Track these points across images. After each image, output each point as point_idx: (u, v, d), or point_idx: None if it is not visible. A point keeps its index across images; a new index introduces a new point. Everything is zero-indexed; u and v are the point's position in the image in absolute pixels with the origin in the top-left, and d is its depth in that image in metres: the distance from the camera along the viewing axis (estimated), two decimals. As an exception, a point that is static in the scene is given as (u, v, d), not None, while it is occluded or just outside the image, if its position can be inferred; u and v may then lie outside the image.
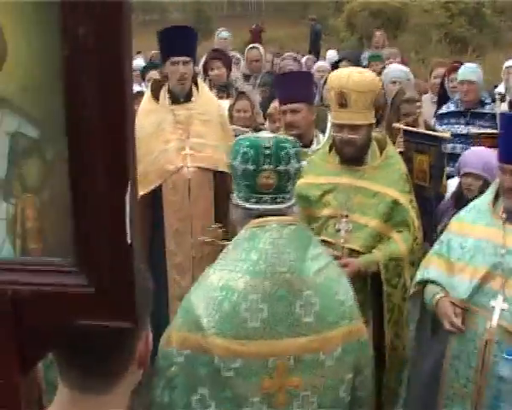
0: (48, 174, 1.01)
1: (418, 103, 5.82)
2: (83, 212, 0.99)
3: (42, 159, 1.00)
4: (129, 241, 0.98)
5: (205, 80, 7.55)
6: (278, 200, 2.85)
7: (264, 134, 3.04)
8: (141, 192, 5.02)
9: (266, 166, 2.78)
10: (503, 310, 3.40)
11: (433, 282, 3.72)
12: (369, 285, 4.15)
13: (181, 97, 5.23)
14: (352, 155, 4.20)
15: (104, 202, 0.98)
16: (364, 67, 8.28)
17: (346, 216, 4.17)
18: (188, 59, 5.15)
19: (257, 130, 6.07)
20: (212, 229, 4.07)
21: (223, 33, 10.74)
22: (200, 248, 4.98)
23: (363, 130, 4.14)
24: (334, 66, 8.13)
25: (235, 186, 2.91)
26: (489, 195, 3.72)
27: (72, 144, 0.98)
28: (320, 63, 9.74)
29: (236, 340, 2.68)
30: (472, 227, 3.68)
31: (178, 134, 5.11)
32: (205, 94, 5.46)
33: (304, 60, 11.16)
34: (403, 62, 9.04)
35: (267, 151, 2.77)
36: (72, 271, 1.01)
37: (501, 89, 8.48)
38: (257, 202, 2.84)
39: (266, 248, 2.72)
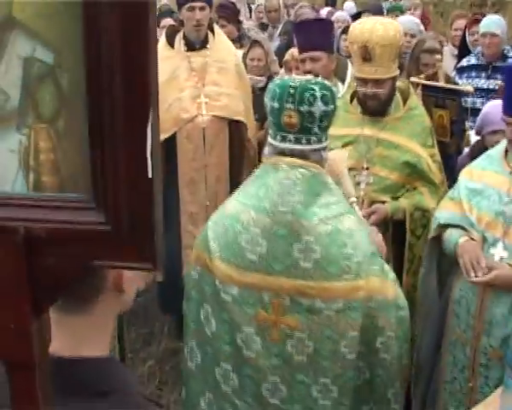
0: (63, 103, 0.94)
1: (438, 56, 5.69)
2: (101, 144, 0.92)
3: (57, 87, 0.93)
4: (150, 175, 0.92)
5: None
6: (303, 141, 2.85)
7: (302, 76, 3.05)
8: (155, 140, 4.98)
9: (289, 106, 2.79)
10: (501, 258, 3.42)
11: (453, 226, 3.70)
12: (391, 234, 4.09)
13: (196, 44, 5.14)
14: (375, 108, 4.13)
15: (124, 133, 0.91)
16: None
17: (367, 168, 4.11)
18: (204, 4, 5.05)
19: (271, 78, 6.01)
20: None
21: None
22: (215, 198, 4.93)
23: (388, 83, 4.06)
24: (356, 17, 7.97)
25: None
26: (503, 144, 3.70)
27: (91, 72, 0.91)
28: (339, 13, 9.53)
29: (235, 268, 2.85)
30: (482, 173, 3.68)
31: (193, 82, 5.04)
32: (221, 41, 5.35)
33: (325, 12, 11.00)
34: (423, 14, 8.89)
35: (292, 90, 2.79)
36: (89, 207, 0.94)
37: (522, 43, 8.33)
38: (282, 141, 2.87)
39: (273, 186, 2.82)
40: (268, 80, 6.07)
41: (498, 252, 3.44)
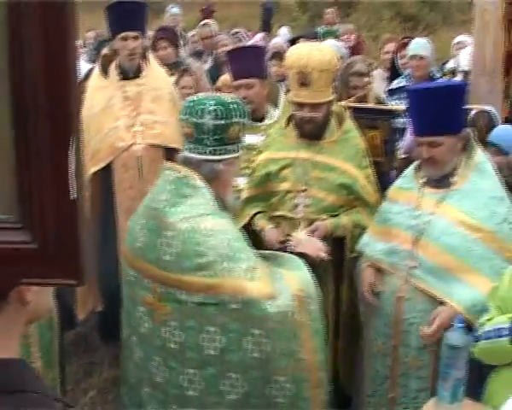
0: None
1: (367, 78, 5.81)
2: (27, 167, 0.95)
3: None
4: (73, 196, 0.96)
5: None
6: (195, 150, 3.15)
7: (209, 93, 3.39)
8: (92, 170, 4.97)
9: (185, 117, 3.15)
10: (413, 268, 3.58)
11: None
12: (331, 250, 4.16)
13: (130, 73, 5.16)
14: (312, 132, 4.21)
15: (47, 156, 0.95)
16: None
17: (304, 190, 4.18)
18: (137, 34, 5.08)
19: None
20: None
21: (173, 10, 10.70)
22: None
23: (324, 107, 4.15)
24: (292, 44, 8.09)
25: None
26: (415, 162, 3.87)
27: (15, 97, 0.94)
28: (275, 40, 9.66)
29: (130, 252, 3.28)
30: (398, 192, 3.86)
31: (128, 111, 5.04)
32: (155, 69, 5.38)
33: (258, 37, 11.14)
34: (358, 39, 9.07)
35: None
36: (15, 227, 0.97)
37: (451, 65, 8.54)
38: (185, 149, 3.21)
39: (155, 186, 3.25)
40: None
41: (410, 263, 3.60)
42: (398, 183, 3.95)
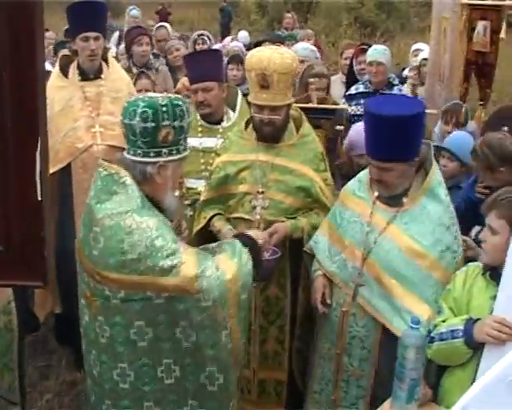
0: None
1: (326, 80, 5.87)
2: None
3: None
4: (39, 198, 0.97)
5: (129, 59, 7.48)
6: (130, 151, 3.13)
7: (152, 94, 3.25)
8: (50, 170, 4.93)
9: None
10: (359, 286, 3.65)
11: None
12: (288, 252, 4.20)
13: (91, 74, 5.16)
14: (271, 134, 4.22)
15: (14, 159, 0.96)
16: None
17: (262, 192, 4.20)
18: (98, 35, 5.07)
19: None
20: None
21: (133, 11, 10.71)
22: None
23: (283, 110, 4.17)
24: (257, 46, 8.10)
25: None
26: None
27: None
28: (234, 44, 9.66)
29: (77, 245, 3.29)
30: (351, 198, 3.87)
31: (88, 111, 5.05)
32: (115, 71, 5.38)
33: (226, 41, 11.20)
34: (316, 44, 9.13)
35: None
36: None
37: (407, 72, 8.65)
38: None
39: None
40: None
41: (357, 280, 3.67)
42: (351, 187, 3.94)
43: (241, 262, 3.20)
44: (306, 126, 4.44)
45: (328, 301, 3.81)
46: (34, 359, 5.47)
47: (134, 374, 3.14)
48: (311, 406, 4.06)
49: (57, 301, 5.30)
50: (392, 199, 3.65)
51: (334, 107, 5.44)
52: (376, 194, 3.70)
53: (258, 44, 8.33)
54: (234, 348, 3.19)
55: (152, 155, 3.08)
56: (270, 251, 3.77)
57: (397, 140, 3.44)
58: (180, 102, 3.10)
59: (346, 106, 5.78)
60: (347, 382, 3.78)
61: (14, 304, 3.48)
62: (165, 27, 9.67)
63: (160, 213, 3.14)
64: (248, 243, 3.35)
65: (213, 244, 3.49)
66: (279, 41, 8.80)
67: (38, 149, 0.97)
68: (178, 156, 3.15)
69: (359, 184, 3.88)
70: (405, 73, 8.78)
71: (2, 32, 0.94)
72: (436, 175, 3.67)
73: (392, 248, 3.56)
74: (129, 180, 3.09)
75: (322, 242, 3.96)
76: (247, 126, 4.43)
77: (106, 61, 5.30)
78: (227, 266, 3.14)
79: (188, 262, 3.03)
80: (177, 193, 3.31)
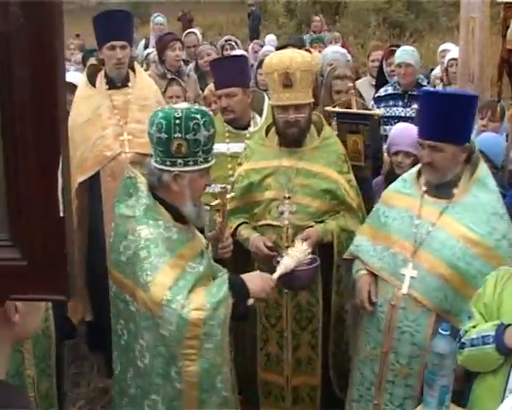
0: None
1: (350, 83, 5.84)
2: (16, 188, 0.99)
3: None
4: (61, 214, 0.99)
5: (162, 64, 7.53)
6: (153, 158, 3.25)
7: (179, 105, 3.30)
8: (79, 179, 4.98)
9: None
10: (412, 278, 3.59)
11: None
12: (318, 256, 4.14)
13: (118, 82, 5.19)
14: (295, 137, 4.23)
15: (36, 175, 0.98)
16: (305, 49, 8.33)
17: (289, 198, 4.20)
18: (125, 43, 5.11)
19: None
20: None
21: (158, 18, 10.69)
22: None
23: (307, 109, 4.18)
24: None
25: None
26: (416, 167, 3.87)
27: (4, 121, 0.97)
28: (266, 48, 9.66)
29: None
30: (397, 196, 3.85)
31: (116, 120, 5.08)
32: (142, 79, 5.41)
33: (251, 46, 11.22)
34: (344, 46, 9.10)
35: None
36: (5, 245, 1.00)
37: (437, 72, 8.60)
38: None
39: None
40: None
41: (409, 272, 3.60)
42: (396, 186, 3.94)
43: (214, 309, 3.14)
44: (327, 129, 4.46)
45: (374, 299, 3.74)
46: (66, 366, 5.51)
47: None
48: None
49: (88, 308, 5.34)
50: (441, 191, 3.64)
51: (370, 112, 5.40)
52: (424, 188, 3.70)
53: (280, 50, 8.32)
54: (184, 387, 3.18)
55: (168, 163, 3.18)
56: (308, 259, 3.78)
57: (449, 120, 3.46)
58: (198, 115, 3.12)
59: (379, 111, 5.73)
60: (393, 382, 3.69)
61: (52, 311, 3.52)
62: (195, 33, 9.70)
63: (179, 220, 3.26)
64: (237, 286, 3.31)
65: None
66: (301, 45, 8.82)
67: (60, 165, 0.98)
68: (196, 168, 3.19)
69: (404, 183, 3.87)
70: (434, 73, 8.73)
71: (23, 58, 0.96)
72: (484, 166, 3.69)
73: (449, 238, 3.54)
74: (142, 186, 3.26)
75: (364, 244, 3.92)
76: (267, 133, 4.43)
77: (133, 69, 5.33)
78: (196, 306, 3.11)
79: (159, 285, 3.09)
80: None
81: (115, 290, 3.33)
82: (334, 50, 7.49)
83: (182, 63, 7.82)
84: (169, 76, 7.13)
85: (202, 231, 3.51)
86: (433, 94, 3.67)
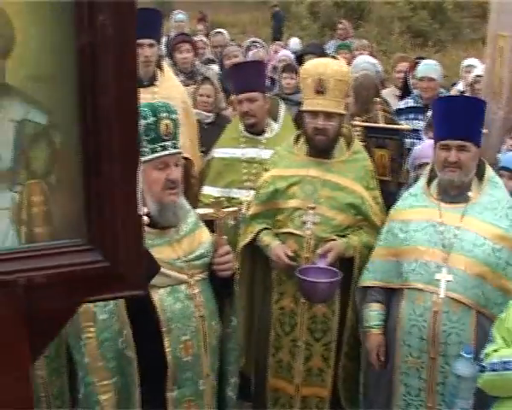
0: (56, 159, 1.04)
1: (378, 99, 5.86)
2: (98, 191, 1.04)
3: (50, 145, 1.03)
4: (140, 213, 1.06)
5: (174, 65, 7.52)
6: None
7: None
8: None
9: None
10: (448, 281, 3.69)
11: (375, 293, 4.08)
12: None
13: (145, 81, 5.17)
14: (323, 145, 4.23)
15: (120, 179, 1.04)
16: (331, 56, 8.33)
17: (313, 208, 4.20)
18: (152, 41, 5.11)
19: (219, 115, 6.11)
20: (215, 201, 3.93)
21: (179, 16, 10.51)
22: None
23: (337, 119, 4.18)
24: (298, 59, 8.11)
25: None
26: (422, 180, 4.05)
27: (88, 130, 1.02)
28: (283, 52, 9.62)
29: None
30: (411, 211, 3.94)
31: (142, 119, 5.06)
32: (169, 78, 5.42)
33: (273, 47, 11.20)
34: (371, 55, 9.07)
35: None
36: (85, 249, 1.05)
37: (460, 87, 8.58)
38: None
39: None
40: (216, 116, 6.18)
41: (444, 276, 3.70)
42: (405, 203, 4.02)
43: None
44: (357, 144, 4.46)
45: (382, 359, 3.93)
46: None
47: None
48: None
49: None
50: (456, 197, 3.82)
51: (398, 126, 5.43)
52: (438, 196, 3.86)
53: (300, 57, 8.33)
54: (89, 361, 3.13)
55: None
56: (329, 273, 3.87)
57: (470, 121, 3.76)
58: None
59: (408, 127, 5.77)
60: (443, 384, 3.72)
61: None
62: (222, 33, 9.68)
63: (154, 224, 3.15)
64: None
65: None
66: (322, 53, 8.80)
67: (140, 167, 1.05)
68: (143, 159, 3.01)
69: (414, 197, 3.99)
70: (457, 88, 8.71)
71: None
72: (489, 167, 3.94)
73: (476, 237, 3.70)
74: None
75: (385, 263, 4.02)
76: (297, 141, 4.44)
77: (160, 68, 5.34)
78: None
79: None
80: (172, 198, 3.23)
81: None
82: (366, 60, 7.47)
83: (197, 64, 7.80)
84: (181, 78, 7.13)
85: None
86: (452, 98, 4.08)
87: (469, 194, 3.80)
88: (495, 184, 3.86)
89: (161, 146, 3.10)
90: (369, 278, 4.09)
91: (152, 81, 5.22)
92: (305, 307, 4.27)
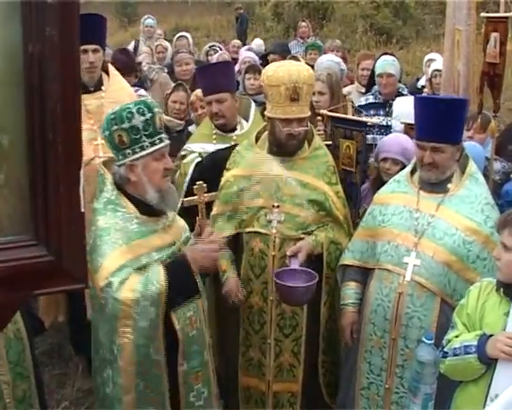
0: (3, 159, 1.09)
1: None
2: (44, 189, 1.09)
3: None
4: (82, 209, 1.11)
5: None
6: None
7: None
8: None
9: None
10: (415, 266, 3.81)
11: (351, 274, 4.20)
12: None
13: (91, 86, 5.12)
14: (294, 148, 4.27)
15: (64, 178, 1.09)
16: (291, 56, 8.39)
17: (278, 207, 4.23)
18: (97, 47, 5.06)
19: (190, 122, 6.12)
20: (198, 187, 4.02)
21: (148, 21, 10.71)
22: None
23: (306, 121, 4.22)
24: (263, 58, 8.13)
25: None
26: (407, 168, 4.17)
27: (35, 133, 1.08)
28: (246, 53, 9.63)
29: None
30: (392, 196, 4.06)
31: (89, 124, 4.92)
32: (117, 82, 5.37)
33: (231, 46, 11.29)
34: (344, 58, 9.15)
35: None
36: (31, 244, 1.10)
37: (422, 82, 8.65)
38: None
39: None
40: (186, 124, 6.17)
41: (412, 260, 3.80)
42: (389, 188, 4.14)
43: (145, 289, 3.32)
44: (317, 140, 4.48)
45: (355, 336, 4.07)
46: (51, 367, 5.53)
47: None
48: (361, 403, 4.09)
49: (61, 309, 5.43)
50: (436, 187, 3.90)
51: (366, 119, 5.48)
52: (419, 185, 3.94)
53: (265, 57, 8.34)
54: (122, 364, 3.38)
55: (120, 157, 3.37)
56: (304, 273, 3.95)
57: (448, 122, 3.77)
58: (130, 105, 3.33)
59: (375, 120, 5.83)
60: (402, 366, 3.86)
61: (20, 312, 3.52)
62: (186, 37, 9.70)
63: (148, 212, 3.44)
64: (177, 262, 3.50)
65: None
66: (287, 52, 8.82)
67: (82, 165, 1.10)
68: (144, 152, 3.35)
69: (397, 183, 4.10)
70: (420, 83, 8.79)
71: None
72: (473, 163, 3.98)
73: (449, 227, 3.78)
74: (107, 182, 3.46)
75: (359, 245, 4.15)
76: (257, 140, 4.44)
77: (107, 72, 5.29)
78: (128, 288, 3.30)
79: (104, 270, 3.29)
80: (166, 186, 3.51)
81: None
82: (329, 59, 7.54)
83: (145, 69, 7.87)
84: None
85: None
86: (429, 99, 4.04)
87: (449, 186, 3.88)
88: (476, 179, 3.92)
89: (159, 138, 3.38)
90: (348, 258, 4.21)
91: (98, 86, 5.17)
92: (273, 305, 4.30)
